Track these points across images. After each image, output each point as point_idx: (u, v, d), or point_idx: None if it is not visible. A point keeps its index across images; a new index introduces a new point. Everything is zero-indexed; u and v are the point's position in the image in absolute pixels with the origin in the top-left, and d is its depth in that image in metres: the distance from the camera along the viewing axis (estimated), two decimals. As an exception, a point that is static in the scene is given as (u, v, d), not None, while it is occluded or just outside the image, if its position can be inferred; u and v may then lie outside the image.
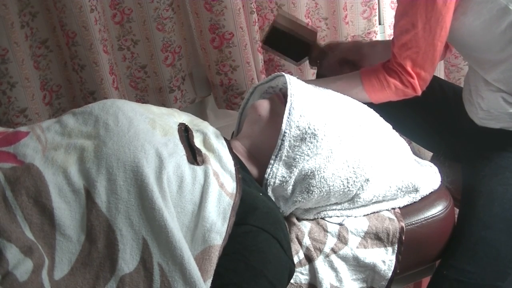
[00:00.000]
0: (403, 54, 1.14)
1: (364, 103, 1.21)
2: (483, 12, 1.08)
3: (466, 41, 1.17)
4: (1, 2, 1.43)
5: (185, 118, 1.11)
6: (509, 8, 1.06)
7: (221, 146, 1.01)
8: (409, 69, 1.14)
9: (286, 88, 1.09)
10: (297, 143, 1.03)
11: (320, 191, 1.03)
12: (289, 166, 1.03)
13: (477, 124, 1.24)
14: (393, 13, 1.93)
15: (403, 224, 1.09)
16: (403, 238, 1.08)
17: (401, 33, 1.13)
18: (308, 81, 1.24)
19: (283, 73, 1.15)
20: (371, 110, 1.19)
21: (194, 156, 0.94)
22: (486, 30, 1.11)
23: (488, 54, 1.15)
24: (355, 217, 1.11)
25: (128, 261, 0.80)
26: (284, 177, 1.03)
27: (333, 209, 1.10)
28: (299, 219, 1.11)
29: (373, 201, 1.11)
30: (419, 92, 1.18)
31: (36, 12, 1.55)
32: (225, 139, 1.07)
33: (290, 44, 1.38)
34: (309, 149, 1.02)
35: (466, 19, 1.11)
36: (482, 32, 1.12)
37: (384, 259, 1.07)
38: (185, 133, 1.00)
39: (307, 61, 1.49)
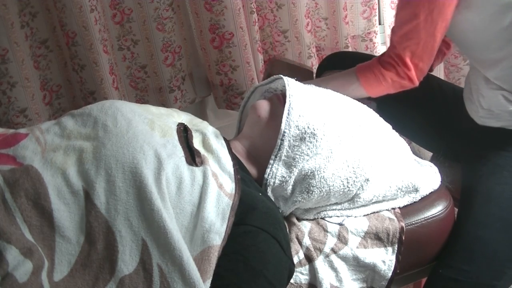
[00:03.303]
0: (403, 44, 1.13)
1: (363, 103, 1.21)
2: (487, 6, 1.08)
3: (467, 37, 1.17)
4: (1, 2, 1.43)
5: (185, 118, 1.10)
6: None
7: (220, 146, 1.01)
8: (407, 60, 1.14)
9: (286, 90, 1.09)
10: (297, 143, 1.03)
11: (320, 191, 1.03)
12: (288, 166, 1.03)
13: (477, 123, 1.24)
14: (393, 13, 1.93)
15: (403, 224, 1.09)
16: (403, 238, 1.08)
17: (403, 23, 1.13)
18: (305, 81, 1.24)
19: (282, 75, 1.15)
20: (371, 110, 1.19)
21: (193, 157, 0.93)
22: (486, 27, 1.10)
23: (487, 52, 1.14)
24: (355, 217, 1.11)
25: (127, 262, 0.79)
26: (284, 177, 1.03)
27: (333, 209, 1.10)
28: (299, 219, 1.10)
29: (373, 201, 1.11)
30: (417, 83, 1.17)
31: (36, 12, 1.55)
32: (225, 139, 1.07)
33: None
34: (309, 148, 1.02)
35: (469, 13, 1.10)
36: (483, 28, 1.11)
37: (384, 259, 1.07)
38: (184, 133, 1.00)
39: None
